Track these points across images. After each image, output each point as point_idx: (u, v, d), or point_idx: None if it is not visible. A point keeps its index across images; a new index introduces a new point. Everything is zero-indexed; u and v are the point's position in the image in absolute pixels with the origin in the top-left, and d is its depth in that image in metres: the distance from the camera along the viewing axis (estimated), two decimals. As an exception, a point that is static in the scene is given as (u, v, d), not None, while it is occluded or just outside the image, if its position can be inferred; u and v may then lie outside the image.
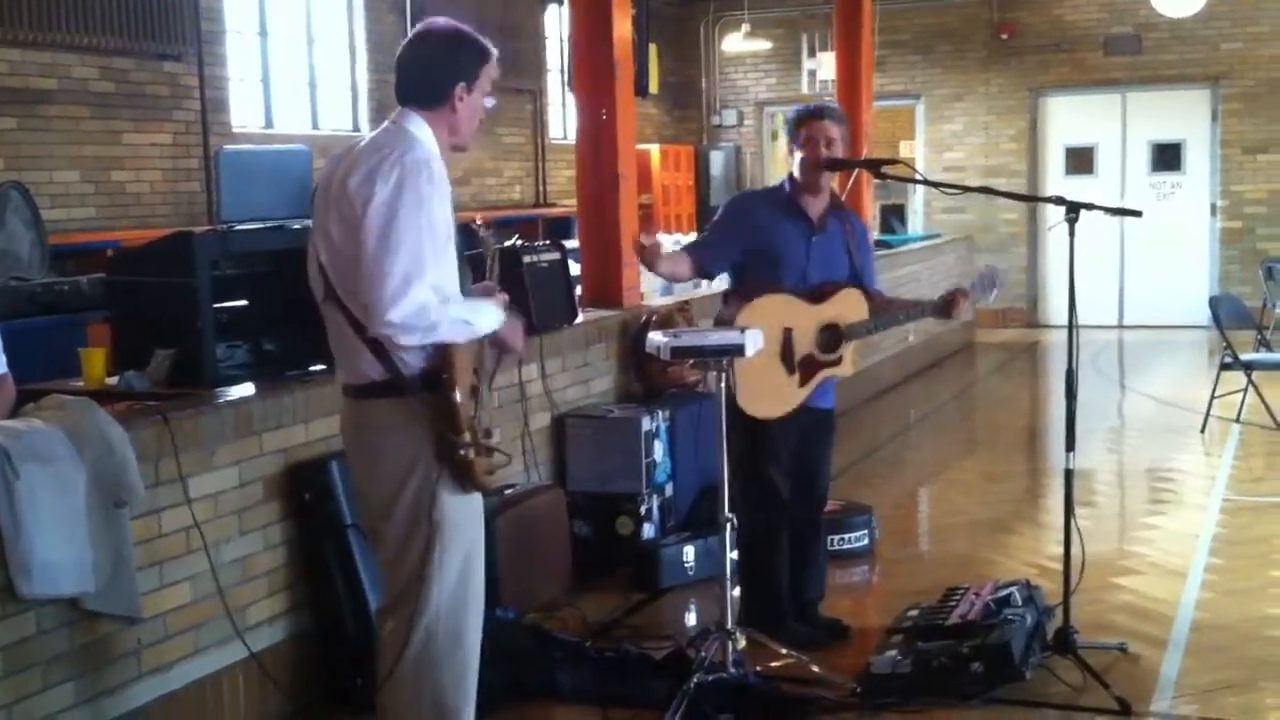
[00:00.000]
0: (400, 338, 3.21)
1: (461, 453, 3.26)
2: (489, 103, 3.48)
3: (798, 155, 4.89)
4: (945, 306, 4.93)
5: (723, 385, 4.45)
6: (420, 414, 3.27)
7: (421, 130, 3.37)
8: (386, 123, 3.42)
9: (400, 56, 3.46)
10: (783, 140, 4.71)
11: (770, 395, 4.80)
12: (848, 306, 4.88)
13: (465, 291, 3.44)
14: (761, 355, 4.64)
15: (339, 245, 3.26)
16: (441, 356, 3.27)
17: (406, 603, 3.37)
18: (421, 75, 3.41)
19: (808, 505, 5.05)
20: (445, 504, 3.32)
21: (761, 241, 4.86)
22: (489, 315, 3.40)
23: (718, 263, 4.98)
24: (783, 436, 4.89)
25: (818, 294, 4.85)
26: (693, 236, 9.84)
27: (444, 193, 3.28)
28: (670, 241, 8.74)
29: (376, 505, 3.42)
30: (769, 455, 4.87)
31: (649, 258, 4.76)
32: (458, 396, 3.25)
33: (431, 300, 3.19)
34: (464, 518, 3.37)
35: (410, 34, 3.50)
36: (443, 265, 3.28)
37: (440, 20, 3.49)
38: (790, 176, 4.97)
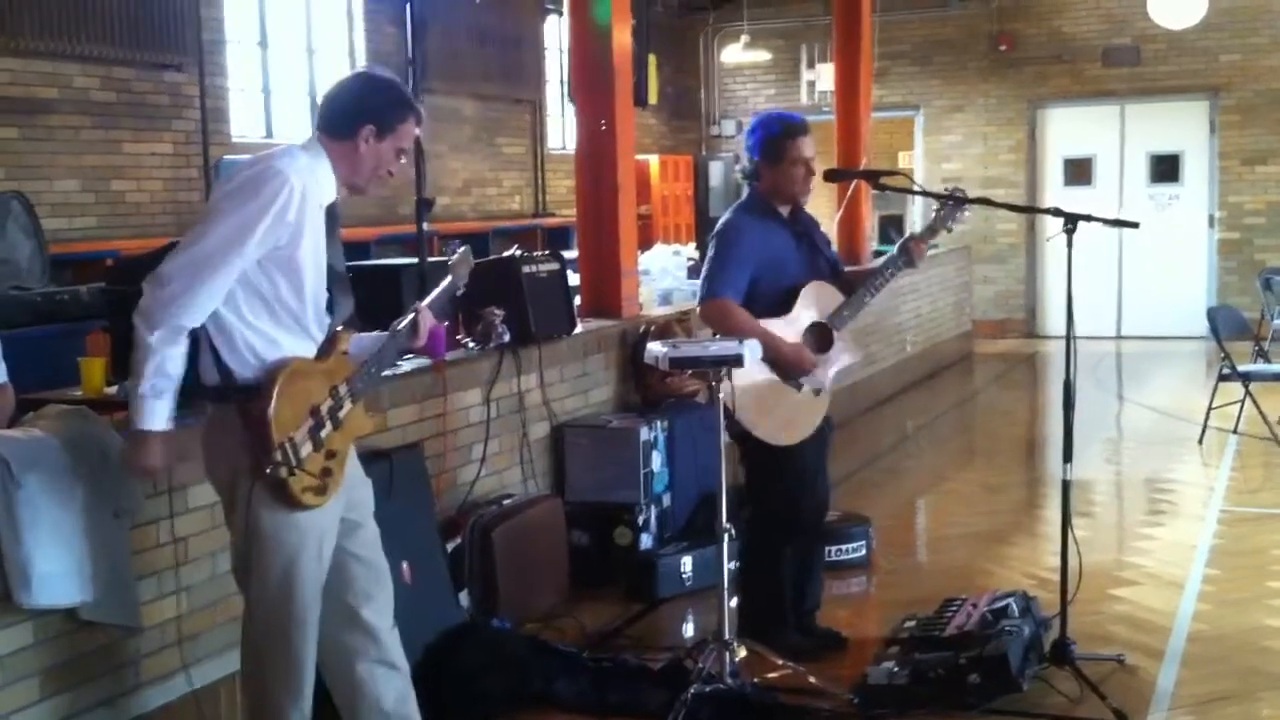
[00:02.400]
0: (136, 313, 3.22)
1: (269, 470, 3.26)
2: (400, 160, 3.48)
3: (785, 172, 4.81)
4: (907, 255, 4.84)
5: (720, 396, 4.45)
6: (238, 424, 3.30)
7: (314, 156, 3.41)
8: None
9: (330, 87, 3.54)
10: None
11: (798, 417, 4.79)
12: (819, 299, 4.84)
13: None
14: (767, 384, 4.64)
15: None
16: (266, 372, 3.28)
17: (244, 608, 3.49)
18: (336, 104, 3.46)
19: (811, 511, 5.04)
20: (261, 516, 3.33)
21: (768, 256, 4.82)
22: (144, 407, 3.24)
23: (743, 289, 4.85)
24: (814, 458, 4.86)
25: (781, 305, 4.80)
26: (691, 247, 9.82)
27: (296, 220, 3.27)
28: (669, 252, 8.76)
29: (225, 511, 3.49)
30: (803, 481, 4.83)
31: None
32: (270, 414, 3.24)
33: (180, 307, 3.17)
34: (282, 530, 3.35)
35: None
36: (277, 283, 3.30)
37: (381, 69, 3.59)
38: (756, 188, 4.92)
